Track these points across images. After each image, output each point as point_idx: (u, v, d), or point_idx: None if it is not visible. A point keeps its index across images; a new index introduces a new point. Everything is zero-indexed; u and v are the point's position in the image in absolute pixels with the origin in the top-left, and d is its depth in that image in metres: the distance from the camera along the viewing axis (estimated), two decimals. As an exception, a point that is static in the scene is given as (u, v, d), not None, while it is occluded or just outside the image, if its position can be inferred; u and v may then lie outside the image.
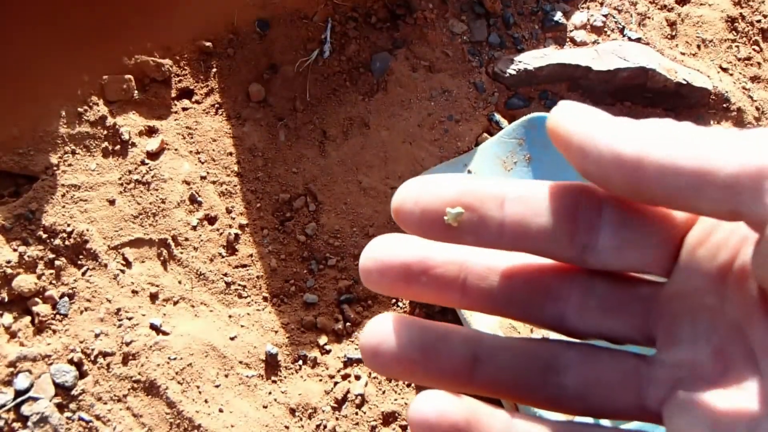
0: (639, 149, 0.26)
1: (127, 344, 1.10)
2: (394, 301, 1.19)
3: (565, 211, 0.30)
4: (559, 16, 1.35)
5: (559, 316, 0.31)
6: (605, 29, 1.36)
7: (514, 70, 1.30)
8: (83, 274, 1.13)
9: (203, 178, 1.20)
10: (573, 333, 0.32)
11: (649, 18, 1.39)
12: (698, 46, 1.39)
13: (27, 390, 1.06)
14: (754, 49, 1.42)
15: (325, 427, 1.12)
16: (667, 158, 0.26)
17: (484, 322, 1.08)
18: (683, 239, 0.30)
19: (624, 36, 1.37)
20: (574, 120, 0.29)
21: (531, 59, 1.31)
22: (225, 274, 1.17)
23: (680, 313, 0.30)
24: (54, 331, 1.10)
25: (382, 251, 0.31)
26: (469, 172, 1.17)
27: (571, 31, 1.35)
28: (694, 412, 0.28)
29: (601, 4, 1.38)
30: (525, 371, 0.31)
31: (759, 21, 1.43)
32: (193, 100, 1.24)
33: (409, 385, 1.16)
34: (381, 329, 0.31)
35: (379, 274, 0.31)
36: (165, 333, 1.12)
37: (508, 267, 0.32)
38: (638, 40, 1.37)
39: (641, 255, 0.30)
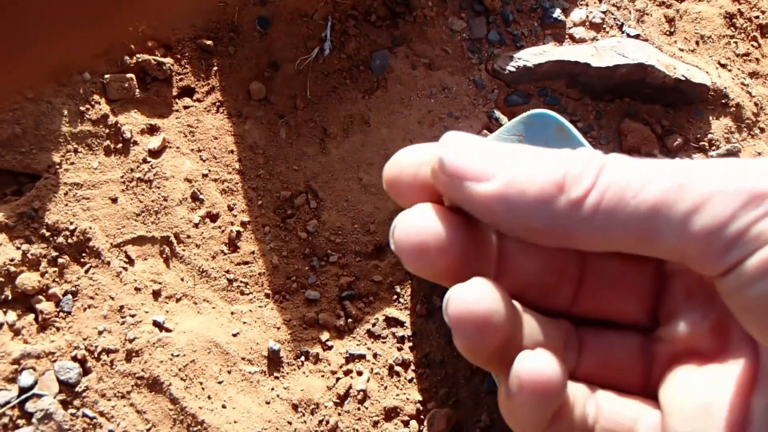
0: (569, 206, 0.26)
1: (131, 341, 1.11)
2: (395, 297, 1.19)
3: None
4: (558, 13, 1.35)
5: (571, 299, 0.31)
6: (604, 26, 1.37)
7: (514, 67, 1.30)
8: (86, 271, 1.13)
9: (205, 175, 1.21)
10: (582, 317, 0.31)
11: (647, 14, 1.39)
12: (697, 42, 1.40)
13: (31, 387, 1.07)
14: (752, 45, 1.42)
15: (327, 422, 1.13)
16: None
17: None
18: None
19: (623, 32, 1.37)
20: (476, 159, 0.27)
21: (530, 56, 1.31)
22: (227, 271, 1.18)
23: (680, 288, 0.30)
24: (57, 329, 1.11)
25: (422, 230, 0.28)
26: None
27: (570, 27, 1.36)
28: (689, 388, 0.28)
29: (600, 0, 1.38)
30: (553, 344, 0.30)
31: (757, 17, 1.44)
32: (194, 98, 1.24)
33: (410, 381, 1.16)
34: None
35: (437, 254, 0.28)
36: (168, 330, 1.13)
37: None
38: (637, 36, 1.37)
39: None
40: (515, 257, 0.29)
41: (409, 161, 0.29)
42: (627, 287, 0.30)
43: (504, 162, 0.26)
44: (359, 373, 1.16)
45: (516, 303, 0.29)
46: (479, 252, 0.29)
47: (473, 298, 0.26)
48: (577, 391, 0.29)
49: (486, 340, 0.26)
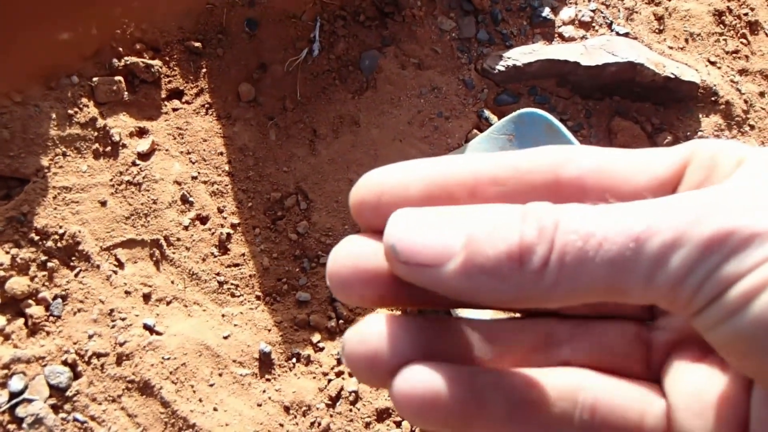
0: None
1: (121, 345, 1.11)
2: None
3: (543, 186, 0.28)
4: (547, 11, 1.35)
5: None
6: (593, 24, 1.37)
7: (503, 66, 1.30)
8: (76, 275, 1.13)
9: (194, 178, 1.20)
10: (575, 314, 0.30)
11: (636, 12, 1.39)
12: (686, 40, 1.40)
13: (21, 392, 1.06)
14: (741, 43, 1.43)
15: (319, 424, 1.13)
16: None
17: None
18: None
19: (612, 31, 1.37)
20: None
21: (519, 55, 1.31)
22: (217, 274, 1.18)
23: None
24: (47, 333, 1.11)
25: (357, 257, 0.28)
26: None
27: (559, 26, 1.36)
28: (690, 374, 0.28)
29: (589, -1, 1.38)
30: (527, 348, 0.30)
31: (746, 14, 1.44)
32: (183, 100, 1.24)
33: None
34: (372, 335, 0.27)
35: (361, 285, 0.28)
36: (158, 333, 1.13)
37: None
38: (626, 34, 1.37)
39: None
40: None
41: (372, 186, 0.28)
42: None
43: (457, 235, 0.25)
44: (351, 375, 1.16)
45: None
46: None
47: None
48: (561, 381, 0.28)
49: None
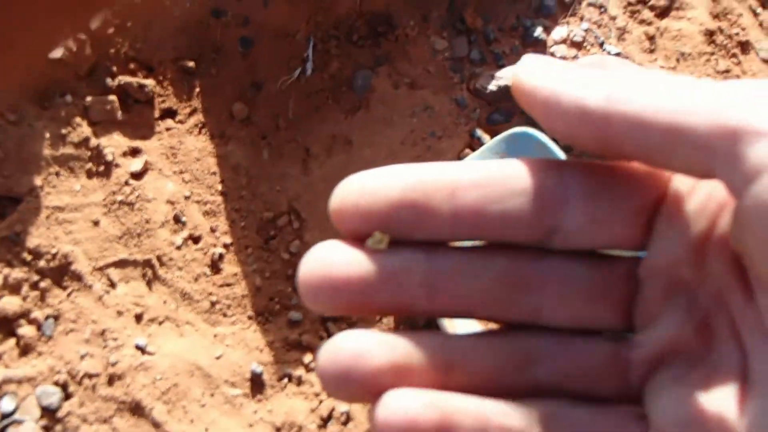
0: (606, 103, 0.25)
1: (113, 365, 1.11)
2: (378, 317, 1.20)
3: (524, 193, 0.27)
4: (539, 31, 1.36)
5: (534, 310, 0.29)
6: (585, 44, 1.38)
7: (496, 85, 1.31)
8: (68, 295, 1.13)
9: (187, 197, 1.21)
10: (552, 327, 0.29)
11: (628, 32, 1.40)
12: (677, 60, 1.41)
13: (12, 413, 1.06)
14: (732, 62, 1.43)
15: (311, 444, 1.13)
16: (637, 112, 0.24)
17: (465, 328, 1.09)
18: (657, 210, 0.28)
19: (604, 50, 1.38)
20: (538, 75, 0.27)
21: (512, 75, 1.32)
22: (210, 294, 1.18)
23: (658, 289, 0.28)
24: (39, 353, 1.11)
25: (326, 264, 0.28)
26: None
27: (551, 46, 1.36)
28: (675, 393, 0.27)
29: (581, 19, 1.39)
30: (499, 370, 0.28)
31: (737, 34, 1.45)
32: (176, 119, 1.24)
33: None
34: (346, 351, 0.27)
35: (331, 292, 0.27)
36: (150, 353, 1.13)
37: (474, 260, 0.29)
38: (618, 54, 1.38)
39: (612, 231, 0.28)
40: (452, 279, 0.28)
41: (351, 190, 0.28)
42: (597, 293, 0.29)
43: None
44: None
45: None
46: (398, 283, 0.28)
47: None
48: (536, 412, 0.28)
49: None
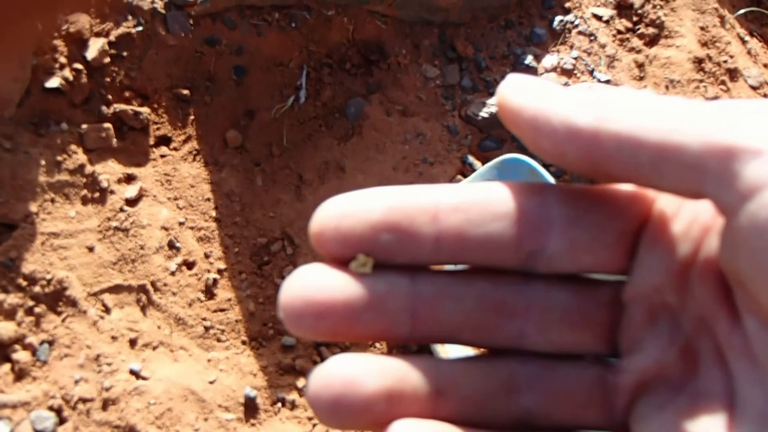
0: (595, 121, 0.24)
1: (107, 390, 1.11)
2: (371, 342, 1.20)
3: (507, 216, 0.27)
4: (530, 59, 1.38)
5: (518, 335, 0.28)
6: (575, 72, 1.39)
7: (487, 113, 1.32)
8: (63, 320, 1.14)
9: (181, 224, 1.22)
10: (534, 352, 0.29)
11: (617, 60, 1.42)
12: (666, 87, 1.42)
13: (6, 438, 1.07)
14: (721, 89, 1.45)
15: (303, 469, 1.13)
16: (627, 131, 0.24)
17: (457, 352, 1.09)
18: (640, 233, 0.28)
19: (594, 78, 1.40)
20: (524, 93, 0.27)
21: (497, 93, 1.33)
22: (204, 319, 1.19)
23: (641, 313, 0.28)
24: (34, 378, 1.11)
25: (309, 288, 0.27)
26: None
27: (541, 73, 1.38)
28: (660, 420, 0.26)
29: (571, 47, 1.41)
30: (488, 397, 0.28)
31: (726, 61, 1.47)
32: (170, 147, 1.26)
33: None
34: (339, 377, 0.26)
35: (314, 318, 0.27)
36: (144, 378, 1.13)
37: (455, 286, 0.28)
38: (608, 81, 1.40)
39: (595, 255, 0.27)
40: (435, 304, 0.28)
41: (332, 212, 0.27)
42: (580, 318, 0.28)
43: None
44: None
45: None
46: (382, 309, 0.27)
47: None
48: None
49: None
